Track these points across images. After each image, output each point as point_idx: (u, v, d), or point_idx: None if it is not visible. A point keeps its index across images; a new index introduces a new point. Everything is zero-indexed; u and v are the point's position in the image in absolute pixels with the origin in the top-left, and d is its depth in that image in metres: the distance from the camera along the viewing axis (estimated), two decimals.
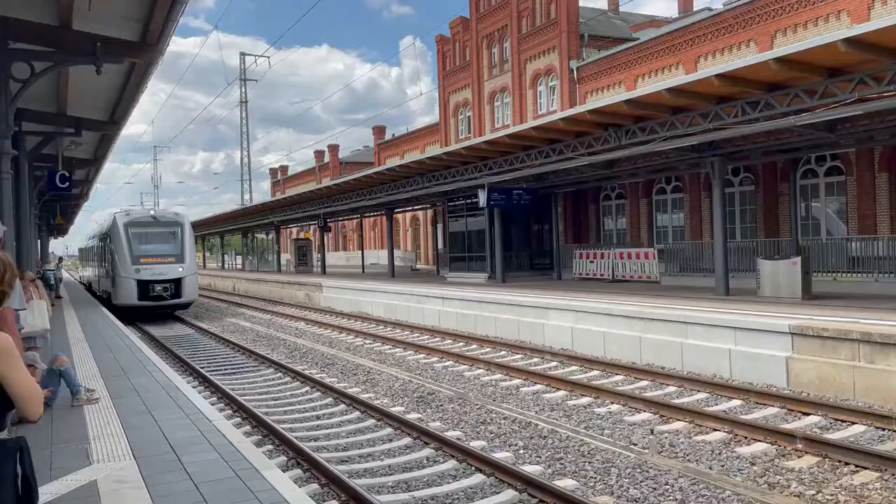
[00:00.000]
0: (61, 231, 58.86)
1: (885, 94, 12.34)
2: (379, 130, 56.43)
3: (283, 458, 8.03)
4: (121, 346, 13.55)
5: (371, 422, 9.86)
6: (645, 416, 9.71)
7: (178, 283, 24.37)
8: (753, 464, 7.57)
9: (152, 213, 27.12)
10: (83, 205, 45.47)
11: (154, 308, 24.38)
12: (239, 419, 10.07)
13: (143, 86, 14.85)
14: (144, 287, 23.86)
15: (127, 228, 24.74)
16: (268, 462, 5.98)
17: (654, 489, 6.86)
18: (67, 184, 20.18)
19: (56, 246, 78.50)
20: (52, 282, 25.59)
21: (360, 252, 46.25)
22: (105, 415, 7.69)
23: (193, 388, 10.76)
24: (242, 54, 45.70)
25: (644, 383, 11.92)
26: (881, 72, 12.21)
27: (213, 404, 9.95)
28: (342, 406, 10.91)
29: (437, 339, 18.55)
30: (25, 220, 16.15)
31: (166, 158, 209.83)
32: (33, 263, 17.30)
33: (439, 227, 37.81)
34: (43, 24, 11.56)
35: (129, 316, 23.17)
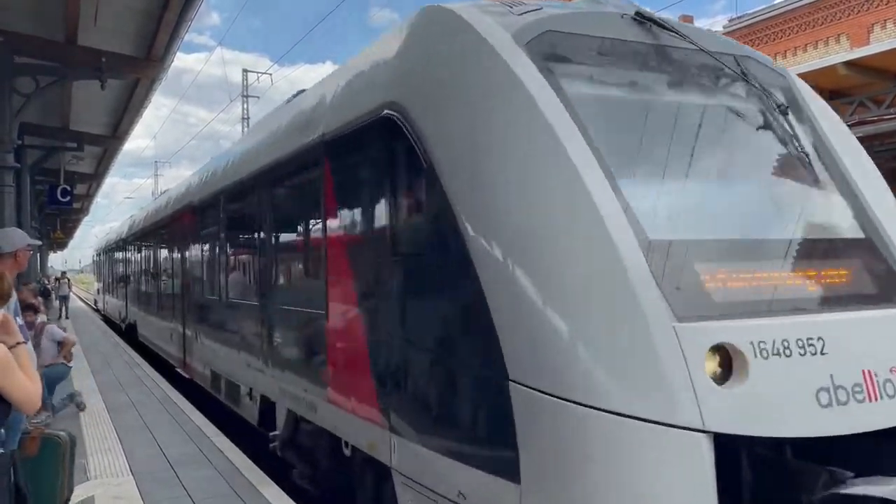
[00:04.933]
0: (61, 245, 58.94)
1: (884, 117, 12.41)
2: None
3: None
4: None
5: None
6: None
7: None
8: None
9: None
10: (83, 219, 45.57)
11: None
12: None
13: (147, 101, 14.92)
14: None
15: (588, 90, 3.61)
16: (266, 479, 5.92)
17: None
18: (68, 198, 20.24)
19: (54, 260, 78.39)
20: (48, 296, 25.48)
21: None
22: (102, 429, 7.64)
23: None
24: (245, 71, 45.65)
25: None
26: (881, 94, 12.29)
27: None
28: None
29: None
30: None
31: (167, 173, 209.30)
32: (34, 277, 17.26)
33: None
34: (49, 40, 11.63)
35: None
